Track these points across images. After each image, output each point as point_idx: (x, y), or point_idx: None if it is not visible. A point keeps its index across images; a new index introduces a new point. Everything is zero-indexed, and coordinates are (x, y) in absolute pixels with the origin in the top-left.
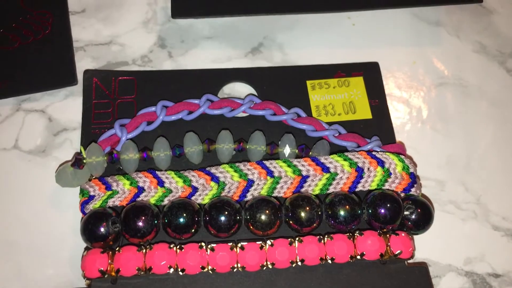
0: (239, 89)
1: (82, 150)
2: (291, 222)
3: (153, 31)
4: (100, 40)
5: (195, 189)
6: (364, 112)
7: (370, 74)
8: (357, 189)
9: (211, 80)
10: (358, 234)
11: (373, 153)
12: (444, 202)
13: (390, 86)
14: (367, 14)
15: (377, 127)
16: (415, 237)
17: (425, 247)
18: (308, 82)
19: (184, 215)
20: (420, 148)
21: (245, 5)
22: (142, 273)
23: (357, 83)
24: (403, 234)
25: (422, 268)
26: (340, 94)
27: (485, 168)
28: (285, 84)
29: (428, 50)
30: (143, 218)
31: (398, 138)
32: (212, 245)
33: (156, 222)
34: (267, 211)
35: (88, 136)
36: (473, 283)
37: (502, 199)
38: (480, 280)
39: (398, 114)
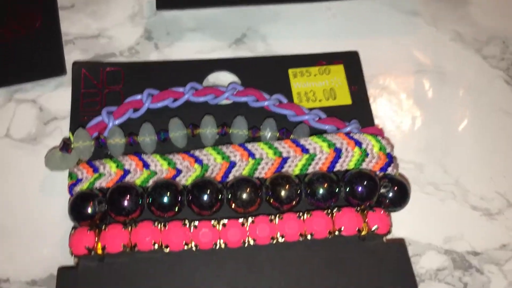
0: (223, 78)
1: (71, 135)
2: (271, 200)
3: (140, 24)
4: (89, 33)
5: (179, 171)
6: (344, 98)
7: (351, 62)
8: (335, 169)
9: (196, 70)
10: (336, 211)
11: (351, 134)
12: (424, 184)
13: (369, 74)
14: (346, 5)
15: (357, 112)
16: (396, 217)
17: (406, 227)
18: (290, 71)
19: (168, 194)
20: (399, 133)
21: None
22: (128, 249)
23: (338, 71)
24: (381, 212)
25: (400, 244)
26: (321, 81)
27: (462, 152)
28: (268, 73)
29: (406, 39)
30: (128, 196)
31: (378, 124)
32: (195, 222)
33: (140, 201)
34: (248, 189)
35: (77, 124)
36: (452, 261)
37: (480, 180)
38: (459, 258)
39: (378, 100)
